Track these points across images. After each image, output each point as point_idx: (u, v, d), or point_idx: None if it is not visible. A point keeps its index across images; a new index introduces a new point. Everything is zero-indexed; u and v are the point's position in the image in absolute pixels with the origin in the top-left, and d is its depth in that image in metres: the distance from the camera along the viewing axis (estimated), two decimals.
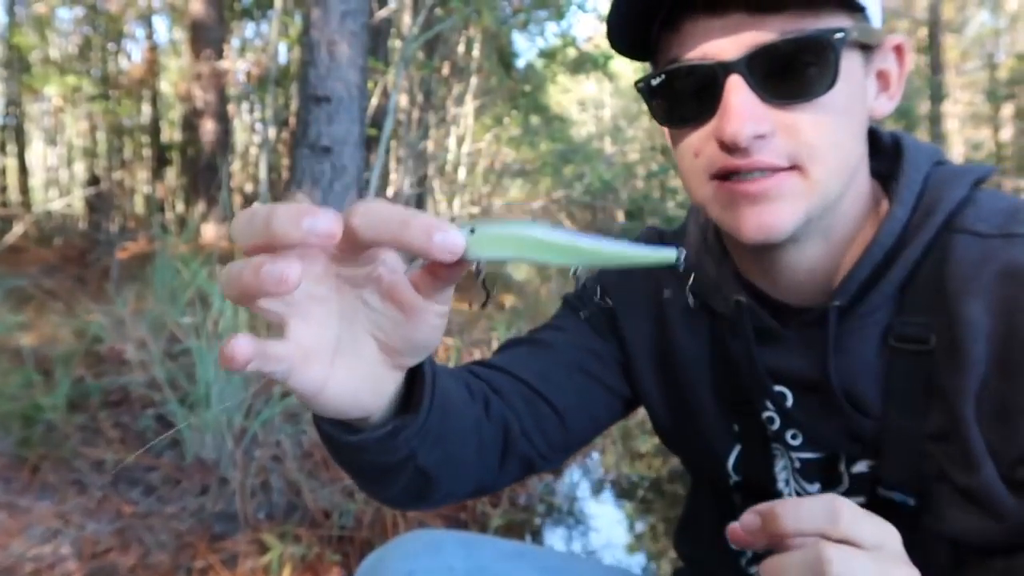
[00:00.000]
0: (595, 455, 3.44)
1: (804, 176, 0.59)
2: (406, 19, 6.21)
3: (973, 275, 0.58)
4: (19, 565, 1.74)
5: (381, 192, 6.76)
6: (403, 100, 6.73)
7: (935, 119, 12.06)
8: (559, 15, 7.52)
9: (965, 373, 0.58)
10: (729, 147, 0.58)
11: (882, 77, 0.64)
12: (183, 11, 8.59)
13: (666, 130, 0.67)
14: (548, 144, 9.80)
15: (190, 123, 7.76)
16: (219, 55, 7.46)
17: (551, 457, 0.79)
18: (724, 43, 0.58)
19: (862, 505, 0.66)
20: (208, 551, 1.88)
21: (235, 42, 9.22)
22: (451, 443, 0.61)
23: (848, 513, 0.43)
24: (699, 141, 0.62)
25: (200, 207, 7.50)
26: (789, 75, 0.57)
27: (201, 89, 7.49)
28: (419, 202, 7.92)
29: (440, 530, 0.78)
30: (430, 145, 7.87)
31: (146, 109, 9.86)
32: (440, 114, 8.34)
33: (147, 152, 10.01)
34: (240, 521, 2.01)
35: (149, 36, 9.93)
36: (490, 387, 0.74)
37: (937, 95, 12.15)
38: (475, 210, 9.14)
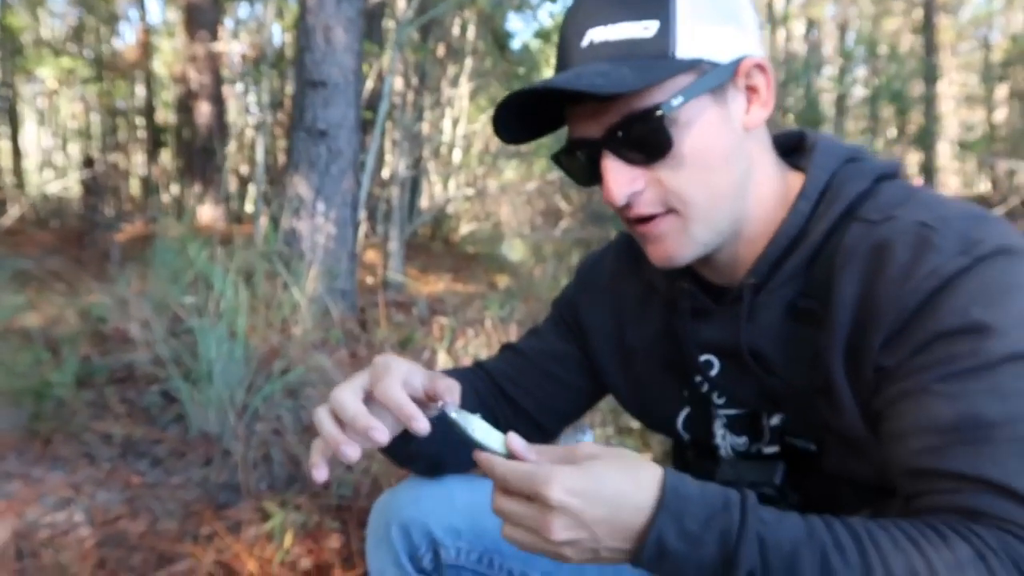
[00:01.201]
0: (587, 430, 3.53)
1: (680, 216, 0.72)
2: (400, 2, 6.23)
3: (851, 253, 0.70)
4: (34, 531, 1.84)
5: (376, 174, 6.81)
6: (398, 83, 6.76)
7: (929, 100, 12.06)
8: None
9: (834, 334, 0.70)
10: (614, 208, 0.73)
11: (751, 90, 0.73)
12: None
13: None
14: None
15: (185, 105, 7.76)
16: (213, 36, 7.46)
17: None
18: (590, 124, 0.71)
19: (776, 453, 0.79)
20: (213, 519, 1.98)
21: (229, 23, 9.20)
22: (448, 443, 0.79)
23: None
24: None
25: (196, 189, 7.53)
26: (638, 144, 0.70)
27: (196, 71, 7.49)
28: (414, 184, 7.97)
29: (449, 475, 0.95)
30: (425, 127, 7.91)
31: (140, 91, 9.86)
32: (435, 96, 8.36)
33: (142, 134, 10.02)
34: (243, 491, 2.11)
35: (143, 17, 9.91)
36: (483, 383, 0.96)
37: (931, 76, 12.13)
38: (470, 191, 9.19)
